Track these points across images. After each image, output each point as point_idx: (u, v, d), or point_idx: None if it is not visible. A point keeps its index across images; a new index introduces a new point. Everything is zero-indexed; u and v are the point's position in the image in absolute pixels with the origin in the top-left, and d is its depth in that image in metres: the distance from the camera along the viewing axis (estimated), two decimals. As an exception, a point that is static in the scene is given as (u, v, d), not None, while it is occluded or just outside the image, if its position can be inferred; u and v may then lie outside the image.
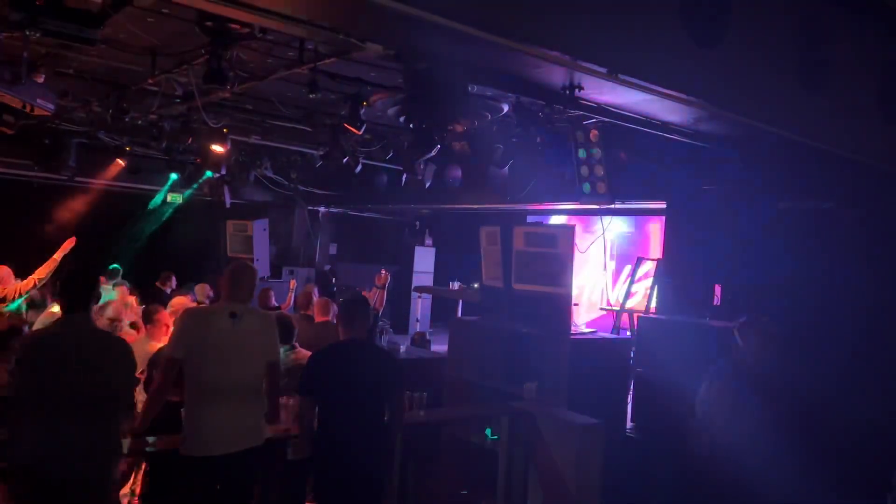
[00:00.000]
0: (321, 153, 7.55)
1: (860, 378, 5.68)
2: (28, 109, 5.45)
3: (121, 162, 8.82)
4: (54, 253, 6.21)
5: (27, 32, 3.67)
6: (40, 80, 5.61)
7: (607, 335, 7.36)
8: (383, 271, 8.19)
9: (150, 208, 10.95)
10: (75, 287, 3.39)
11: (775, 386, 4.54)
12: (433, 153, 5.41)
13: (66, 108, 7.27)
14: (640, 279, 8.62)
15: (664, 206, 7.72)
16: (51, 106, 5.46)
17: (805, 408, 5.45)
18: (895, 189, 5.77)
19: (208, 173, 8.57)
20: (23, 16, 3.82)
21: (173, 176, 9.81)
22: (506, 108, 5.35)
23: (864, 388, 5.61)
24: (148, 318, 5.43)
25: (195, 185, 10.23)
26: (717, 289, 6.85)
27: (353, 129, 5.59)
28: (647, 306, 7.49)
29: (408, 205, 11.73)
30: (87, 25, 4.26)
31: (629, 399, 6.75)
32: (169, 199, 10.65)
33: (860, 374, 5.70)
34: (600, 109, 4.67)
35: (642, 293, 9.30)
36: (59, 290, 3.47)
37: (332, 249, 13.37)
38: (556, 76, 4.00)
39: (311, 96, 5.13)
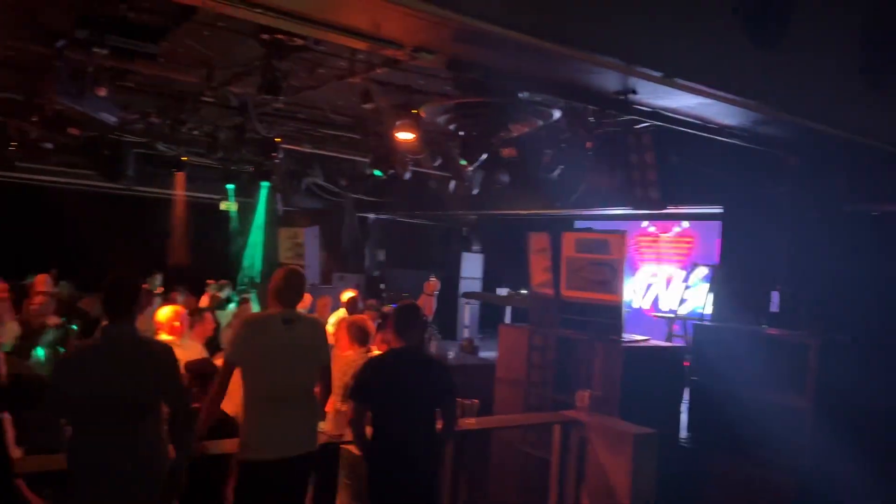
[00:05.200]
0: (370, 161, 7.62)
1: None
2: (91, 122, 5.66)
3: (179, 172, 9.07)
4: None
5: (94, 49, 3.79)
6: (102, 93, 5.81)
7: (661, 343, 7.23)
8: (433, 279, 8.21)
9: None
10: (117, 296, 3.37)
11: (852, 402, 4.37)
12: (482, 160, 5.40)
13: (125, 120, 7.51)
14: (694, 285, 8.44)
15: (720, 210, 7.54)
16: (113, 118, 5.64)
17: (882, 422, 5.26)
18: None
19: (264, 184, 8.74)
20: (89, 33, 3.96)
21: (230, 186, 10.07)
22: (557, 113, 5.30)
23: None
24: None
25: (263, 194, 10.54)
26: (775, 296, 6.67)
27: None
28: (703, 313, 7.33)
29: (456, 211, 11.74)
30: (149, 41, 4.41)
31: (683, 408, 6.61)
32: (223, 206, 10.92)
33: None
34: (655, 114, 4.59)
35: (696, 299, 9.11)
36: (102, 299, 3.46)
37: (381, 256, 13.47)
38: (609, 81, 3.95)
39: (364, 106, 5.17)
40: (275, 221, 11.45)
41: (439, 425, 4.07)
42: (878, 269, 5.77)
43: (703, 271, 8.26)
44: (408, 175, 7.71)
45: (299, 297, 4.07)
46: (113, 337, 3.36)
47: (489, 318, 12.13)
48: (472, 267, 12.93)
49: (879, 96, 4.41)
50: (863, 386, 5.29)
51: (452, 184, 8.08)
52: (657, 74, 3.69)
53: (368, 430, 3.96)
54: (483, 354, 8.98)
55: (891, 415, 5.37)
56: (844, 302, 5.90)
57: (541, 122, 5.03)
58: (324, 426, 4.62)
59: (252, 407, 3.75)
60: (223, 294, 9.89)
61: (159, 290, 9.22)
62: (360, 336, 5.23)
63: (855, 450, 4.98)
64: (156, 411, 3.32)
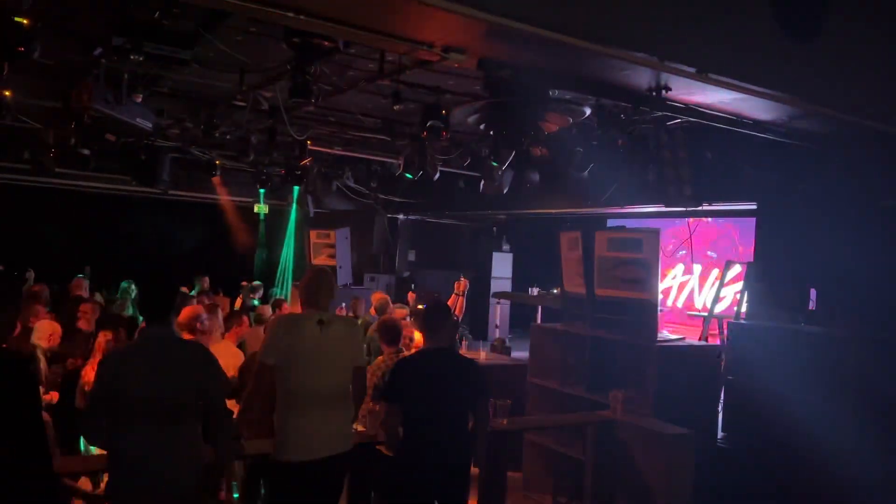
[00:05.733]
0: (400, 162, 7.65)
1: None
2: (128, 128, 5.77)
3: (214, 176, 9.21)
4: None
5: (130, 56, 3.86)
6: (139, 99, 5.92)
7: (695, 342, 7.13)
8: (462, 279, 8.20)
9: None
10: (154, 297, 3.43)
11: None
12: (511, 159, 5.39)
13: (160, 126, 7.65)
14: (728, 283, 8.31)
15: (754, 206, 7.42)
16: (149, 124, 5.75)
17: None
18: None
19: (296, 187, 8.84)
20: (125, 40, 4.04)
21: (262, 189, 10.21)
22: (587, 111, 5.26)
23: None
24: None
25: (295, 197, 10.68)
26: (813, 293, 6.54)
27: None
28: (738, 312, 7.21)
29: (485, 211, 11.73)
30: (182, 47, 4.48)
31: (720, 408, 6.52)
32: (256, 209, 11.07)
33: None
34: (688, 110, 4.53)
35: (731, 297, 8.97)
36: (139, 302, 3.54)
37: (412, 256, 13.53)
38: (642, 78, 3.91)
39: (395, 108, 5.20)
40: (306, 223, 11.56)
41: (471, 425, 4.08)
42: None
43: (737, 269, 8.12)
44: (437, 176, 7.72)
45: (331, 298, 4.10)
46: (151, 338, 3.42)
47: (520, 318, 12.11)
48: (502, 266, 12.91)
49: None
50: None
51: (482, 184, 8.06)
52: (690, 70, 3.64)
53: (401, 430, 3.97)
54: (515, 354, 8.95)
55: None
56: (883, 298, 5.77)
57: (571, 121, 5.00)
58: (358, 426, 4.65)
59: (286, 407, 3.78)
60: (256, 296, 10.01)
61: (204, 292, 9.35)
62: (390, 336, 5.24)
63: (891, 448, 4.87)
64: (195, 412, 3.35)
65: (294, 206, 11.42)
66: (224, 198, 10.98)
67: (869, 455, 4.92)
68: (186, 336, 4.90)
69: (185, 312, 5.23)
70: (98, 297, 8.47)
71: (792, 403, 5.36)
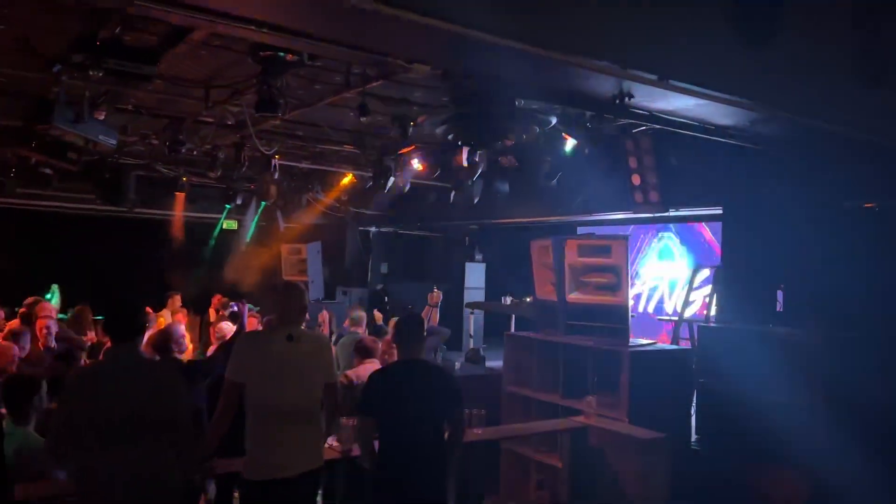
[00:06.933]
0: (370, 175, 7.65)
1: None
2: (90, 146, 5.68)
3: (180, 193, 9.10)
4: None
5: (90, 72, 3.80)
6: (101, 117, 5.84)
7: (667, 346, 7.20)
8: (435, 290, 8.20)
9: (213, 238, 11.28)
10: (118, 318, 3.40)
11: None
12: (481, 169, 5.42)
13: (125, 143, 7.55)
14: (697, 287, 8.41)
15: (720, 211, 7.54)
16: (112, 141, 5.67)
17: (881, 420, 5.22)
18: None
19: (263, 203, 8.76)
20: (85, 57, 3.98)
21: (227, 206, 10.08)
22: (553, 120, 5.31)
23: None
24: None
25: (259, 213, 10.53)
26: (780, 294, 6.64)
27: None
28: (707, 315, 7.30)
29: (456, 221, 11.76)
30: (145, 62, 4.43)
31: (692, 411, 6.58)
32: (226, 226, 10.94)
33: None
34: (652, 116, 4.59)
35: (700, 301, 9.08)
36: (103, 323, 3.49)
37: (384, 269, 13.49)
38: (605, 86, 3.95)
39: (361, 120, 5.19)
40: (274, 238, 11.44)
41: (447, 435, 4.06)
42: (879, 264, 5.75)
43: (706, 273, 8.23)
44: (407, 187, 7.74)
45: (303, 313, 4.07)
46: (116, 359, 3.37)
47: (494, 327, 12.10)
48: (475, 276, 12.93)
49: (874, 90, 4.40)
50: (870, 381, 5.26)
51: (453, 194, 8.09)
52: (652, 77, 3.68)
53: (376, 444, 3.95)
54: (490, 364, 8.96)
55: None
56: (848, 298, 5.88)
57: (537, 129, 5.04)
58: (332, 441, 4.60)
59: (256, 425, 3.72)
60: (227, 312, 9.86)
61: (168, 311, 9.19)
62: (363, 351, 5.23)
63: (867, 446, 4.95)
64: (162, 432, 3.30)
65: (255, 221, 11.23)
66: (184, 214, 10.78)
67: (836, 455, 5.00)
68: (155, 355, 4.84)
69: (156, 332, 5.17)
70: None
71: (762, 405, 5.43)
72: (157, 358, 4.78)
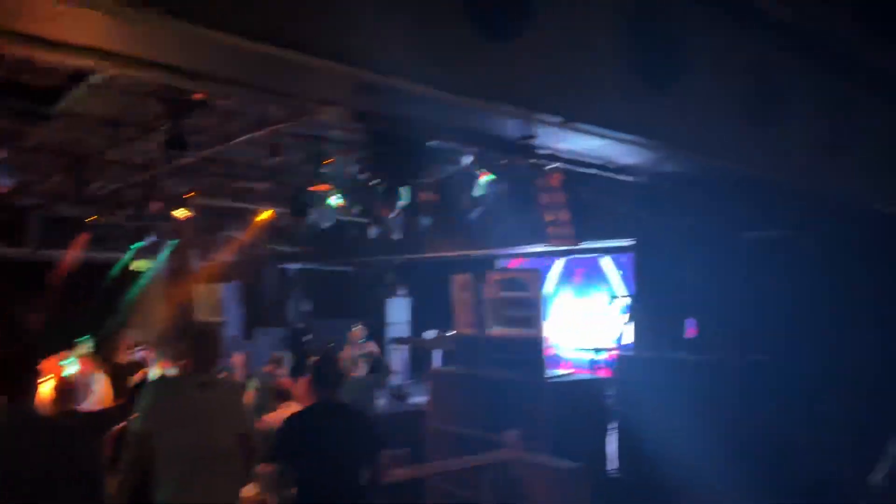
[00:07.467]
0: (289, 212, 7.55)
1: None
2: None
3: (85, 233, 8.70)
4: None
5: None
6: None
7: (584, 375, 7.34)
8: (358, 327, 8.11)
9: (110, 278, 10.72)
10: (11, 372, 3.29)
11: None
12: (399, 207, 5.43)
13: (26, 182, 7.20)
14: (613, 317, 8.64)
15: (632, 243, 7.81)
16: (8, 181, 5.41)
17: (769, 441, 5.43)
18: (846, 215, 5.92)
19: (172, 241, 8.48)
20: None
21: (133, 246, 9.67)
22: (468, 159, 5.41)
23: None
24: None
25: (166, 252, 10.12)
26: (689, 322, 6.90)
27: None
28: (619, 340, 7.51)
29: (380, 256, 11.72)
30: (45, 102, 4.28)
31: (611, 439, 6.71)
32: (134, 267, 10.49)
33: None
34: (557, 157, 4.74)
35: (617, 331, 9.32)
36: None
37: (306, 307, 13.25)
38: (511, 128, 4.06)
39: (276, 159, 5.15)
40: (188, 278, 11.03)
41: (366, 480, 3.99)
42: (780, 291, 6.07)
43: (622, 302, 8.48)
44: (327, 224, 7.66)
45: (216, 358, 3.95)
46: (13, 415, 3.22)
47: (420, 363, 12.05)
48: (398, 312, 12.87)
49: (762, 134, 4.70)
50: (771, 406, 5.52)
51: (372, 230, 8.07)
52: (556, 119, 3.81)
53: (293, 491, 3.84)
54: (415, 400, 8.90)
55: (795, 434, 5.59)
56: (752, 324, 6.17)
57: (452, 168, 5.12)
58: (247, 491, 4.44)
59: (166, 476, 3.58)
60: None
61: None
62: (281, 395, 5.12)
63: (769, 471, 5.16)
64: (76, 487, 3.22)
65: (162, 261, 10.78)
66: (90, 255, 10.28)
67: (735, 481, 5.17)
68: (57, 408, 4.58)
69: (52, 384, 4.88)
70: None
71: (673, 431, 5.60)
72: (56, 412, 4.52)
